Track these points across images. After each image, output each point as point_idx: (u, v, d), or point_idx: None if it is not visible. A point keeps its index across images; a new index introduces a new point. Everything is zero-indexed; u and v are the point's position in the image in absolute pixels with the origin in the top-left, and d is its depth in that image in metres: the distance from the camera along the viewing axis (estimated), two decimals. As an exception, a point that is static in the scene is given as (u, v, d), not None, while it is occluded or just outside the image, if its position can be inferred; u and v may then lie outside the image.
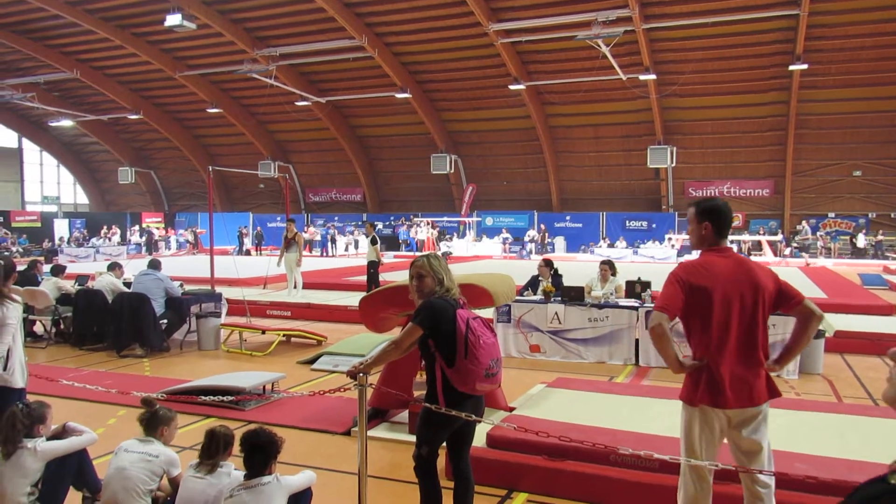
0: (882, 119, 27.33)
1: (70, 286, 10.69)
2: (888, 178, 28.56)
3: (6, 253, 26.89)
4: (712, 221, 3.39)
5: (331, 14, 25.73)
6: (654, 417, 5.45)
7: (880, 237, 27.87)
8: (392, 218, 35.69)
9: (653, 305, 8.62)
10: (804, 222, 29.34)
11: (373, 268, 14.54)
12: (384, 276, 14.34)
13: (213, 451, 3.82)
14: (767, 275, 3.38)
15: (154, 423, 4.06)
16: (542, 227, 32.63)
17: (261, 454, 3.57)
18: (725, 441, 3.38)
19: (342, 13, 26.04)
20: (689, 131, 30.06)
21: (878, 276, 19.15)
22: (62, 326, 10.61)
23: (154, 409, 4.10)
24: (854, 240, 28.55)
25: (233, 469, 3.80)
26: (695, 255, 3.51)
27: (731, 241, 25.96)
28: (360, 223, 35.05)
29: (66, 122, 36.42)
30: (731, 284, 3.27)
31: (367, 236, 16.27)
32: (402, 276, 3.96)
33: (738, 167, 30.60)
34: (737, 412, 3.24)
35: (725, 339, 3.22)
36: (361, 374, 3.75)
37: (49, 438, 4.10)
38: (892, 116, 27.17)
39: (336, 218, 36.80)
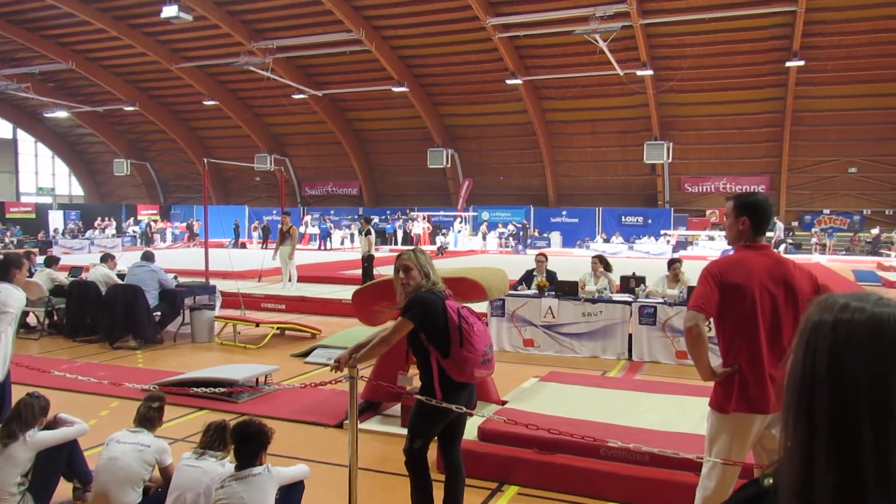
0: (878, 116, 27.35)
1: (63, 278, 10.67)
2: (883, 175, 28.63)
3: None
4: (751, 217, 3.26)
5: (328, 7, 25.65)
6: (646, 411, 5.47)
7: None
8: (388, 212, 35.66)
9: (643, 300, 8.65)
10: (775, 219, 29.28)
11: (367, 261, 14.52)
12: (379, 270, 14.34)
13: (226, 442, 3.82)
14: (805, 276, 3.26)
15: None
16: (525, 221, 32.63)
17: (251, 445, 3.58)
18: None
19: (339, 6, 25.96)
20: (686, 127, 30.07)
21: (871, 273, 19.25)
22: (55, 318, 10.60)
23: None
24: None
25: (227, 461, 3.81)
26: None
27: (723, 237, 26.05)
28: (356, 217, 35.03)
29: (62, 114, 36.27)
30: (766, 283, 3.15)
31: (360, 230, 16.21)
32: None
33: (733, 163, 30.63)
34: (776, 413, 3.14)
35: (762, 340, 3.12)
36: (351, 367, 3.78)
37: (40, 429, 4.10)
38: (889, 114, 27.20)
39: (332, 211, 36.77)
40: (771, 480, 1.02)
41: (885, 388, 0.93)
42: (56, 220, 36.47)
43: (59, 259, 11.70)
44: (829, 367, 0.96)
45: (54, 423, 4.23)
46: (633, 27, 24.02)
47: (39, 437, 4.01)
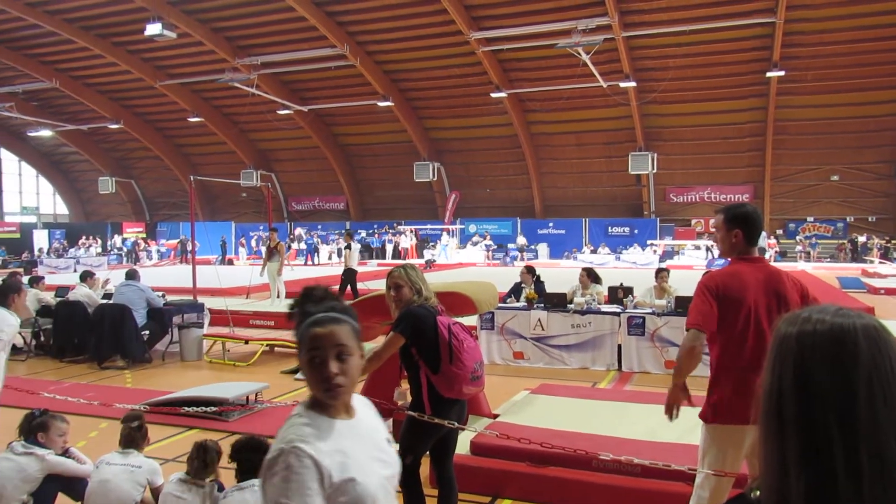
0: (857, 124, 27.75)
1: (50, 298, 10.58)
2: (864, 183, 29.01)
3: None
4: (743, 229, 3.26)
5: (312, 23, 25.74)
6: (636, 422, 5.49)
7: None
8: (376, 226, 35.66)
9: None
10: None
11: (345, 275, 14.42)
12: (367, 285, 14.30)
13: (208, 464, 3.78)
14: (795, 286, 3.27)
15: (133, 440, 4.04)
16: (486, 233, 32.93)
17: (255, 456, 3.56)
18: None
19: (324, 22, 26.06)
20: (670, 138, 30.34)
21: (856, 280, 19.42)
22: (42, 339, 10.49)
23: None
24: None
25: (212, 484, 3.77)
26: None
27: (710, 247, 26.25)
28: (342, 231, 34.98)
29: (46, 132, 36.06)
30: (760, 295, 3.17)
31: (345, 245, 16.09)
32: (382, 285, 4.01)
33: (717, 173, 30.91)
34: None
35: (756, 351, 3.11)
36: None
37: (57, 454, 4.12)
38: (867, 122, 27.61)
39: (319, 226, 36.71)
40: (758, 493, 1.05)
41: (848, 393, 0.97)
42: (41, 239, 36.16)
43: (43, 278, 11.60)
44: (796, 377, 1.01)
45: (65, 454, 4.22)
46: (616, 40, 24.28)
47: (55, 461, 4.00)
